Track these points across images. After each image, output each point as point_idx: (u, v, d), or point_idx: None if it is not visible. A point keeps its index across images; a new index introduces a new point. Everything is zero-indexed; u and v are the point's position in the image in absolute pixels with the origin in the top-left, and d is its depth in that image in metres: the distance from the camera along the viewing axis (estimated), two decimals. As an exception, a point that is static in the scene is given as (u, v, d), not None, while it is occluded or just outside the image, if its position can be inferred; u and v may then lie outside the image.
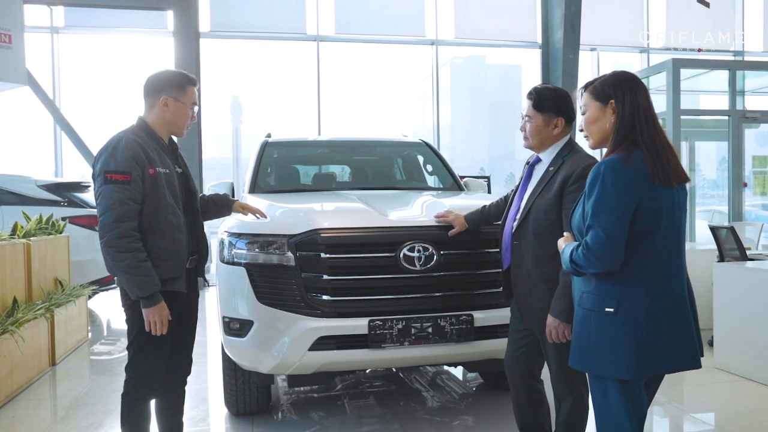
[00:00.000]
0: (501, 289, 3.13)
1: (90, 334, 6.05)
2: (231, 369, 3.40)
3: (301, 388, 4.22)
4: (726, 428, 3.56)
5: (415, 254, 3.04)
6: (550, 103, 2.57)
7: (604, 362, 1.98)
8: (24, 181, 6.53)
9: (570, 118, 2.60)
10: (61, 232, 5.56)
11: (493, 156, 13.58)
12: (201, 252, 2.74)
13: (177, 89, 2.55)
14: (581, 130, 2.17)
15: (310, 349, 2.96)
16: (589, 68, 10.67)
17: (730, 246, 4.99)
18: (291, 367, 3.02)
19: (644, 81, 8.67)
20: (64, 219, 5.83)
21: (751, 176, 9.01)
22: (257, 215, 3.12)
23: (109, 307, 7.62)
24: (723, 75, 8.86)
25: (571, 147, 2.59)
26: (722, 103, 9.04)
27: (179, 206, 2.55)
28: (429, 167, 5.05)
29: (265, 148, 4.74)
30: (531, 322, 2.60)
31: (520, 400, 2.81)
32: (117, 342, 5.91)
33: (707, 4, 11.17)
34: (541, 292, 2.52)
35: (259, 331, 3.04)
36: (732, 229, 4.92)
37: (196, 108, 2.64)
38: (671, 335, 1.95)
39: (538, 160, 2.68)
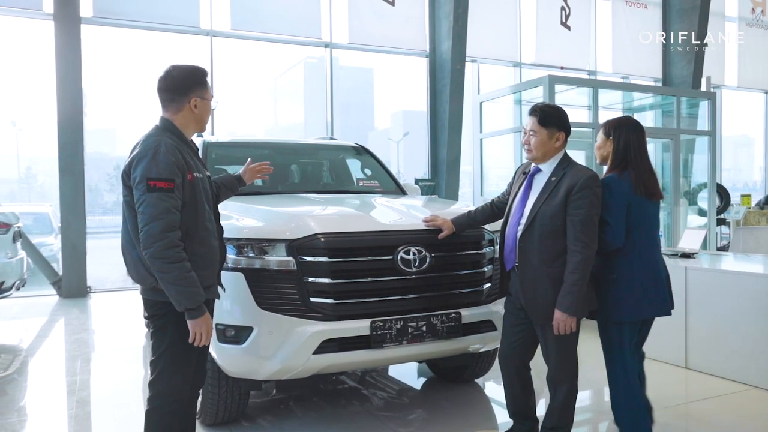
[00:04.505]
0: (486, 286, 3.41)
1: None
2: (214, 378, 3.29)
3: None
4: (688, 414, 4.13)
5: (411, 257, 3.19)
6: (554, 119, 2.86)
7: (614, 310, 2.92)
8: None
9: (569, 132, 2.91)
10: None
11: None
12: (222, 257, 2.66)
13: (202, 87, 2.47)
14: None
15: (314, 353, 3.00)
16: (472, 79, 11.40)
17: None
18: (294, 371, 3.03)
19: (520, 93, 9.36)
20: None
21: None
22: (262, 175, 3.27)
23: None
24: (581, 91, 9.96)
25: (569, 160, 2.91)
26: (580, 115, 10.18)
27: (212, 211, 2.47)
28: (368, 171, 5.17)
29: (207, 149, 4.58)
30: (536, 316, 2.87)
31: (513, 387, 3.09)
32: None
33: (569, 27, 12.53)
34: (546, 290, 2.80)
35: (259, 337, 3.00)
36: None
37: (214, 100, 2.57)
38: (653, 292, 2.92)
39: (537, 171, 2.95)
